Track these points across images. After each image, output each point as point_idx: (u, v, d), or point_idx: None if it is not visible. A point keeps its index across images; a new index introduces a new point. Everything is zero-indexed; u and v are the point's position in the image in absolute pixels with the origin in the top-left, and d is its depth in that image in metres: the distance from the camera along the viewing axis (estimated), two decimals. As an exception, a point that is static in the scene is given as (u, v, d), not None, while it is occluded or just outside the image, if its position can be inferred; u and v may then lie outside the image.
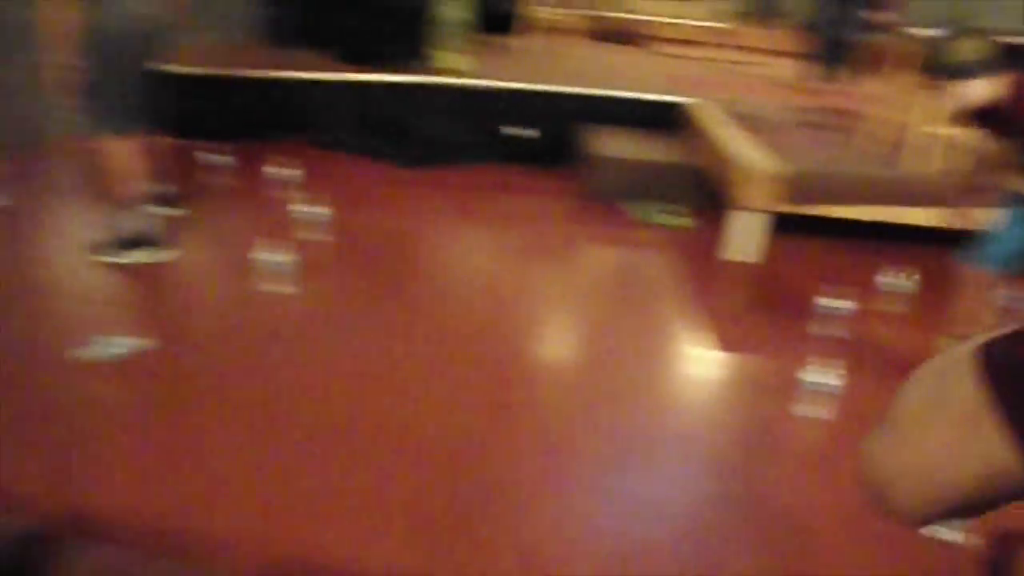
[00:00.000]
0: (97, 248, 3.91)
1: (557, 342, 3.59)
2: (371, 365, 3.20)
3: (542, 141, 5.29)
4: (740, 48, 8.81)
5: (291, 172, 4.71)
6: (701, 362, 3.49)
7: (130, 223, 3.91)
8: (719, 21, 9.41)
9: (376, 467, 2.63)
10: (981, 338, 0.60)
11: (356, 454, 2.68)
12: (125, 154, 3.81)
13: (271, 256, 3.72)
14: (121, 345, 3.20)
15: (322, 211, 4.26)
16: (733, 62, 7.97)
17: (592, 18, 8.18)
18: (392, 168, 5.26)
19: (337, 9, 5.80)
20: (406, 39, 5.63)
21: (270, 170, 4.64)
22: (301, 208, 4.41)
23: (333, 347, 3.34)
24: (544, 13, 6.69)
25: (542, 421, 2.91)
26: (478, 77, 5.42)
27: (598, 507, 2.51)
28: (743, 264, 4.37)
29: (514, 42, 6.33)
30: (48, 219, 4.65)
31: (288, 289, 3.70)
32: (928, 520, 0.64)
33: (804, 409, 3.06)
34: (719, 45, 8.87)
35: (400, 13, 5.60)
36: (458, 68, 5.50)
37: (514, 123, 5.29)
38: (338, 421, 2.87)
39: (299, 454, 2.70)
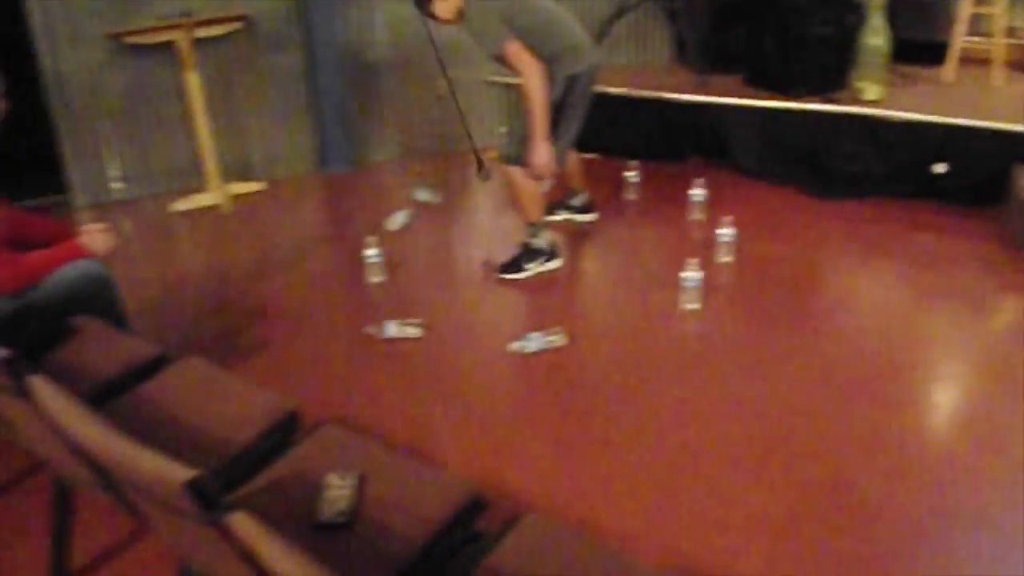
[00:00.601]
0: (502, 268, 4.44)
1: (954, 400, 3.43)
2: (761, 388, 3.33)
3: (960, 178, 5.04)
4: None
5: (698, 192, 4.92)
6: None
7: (532, 240, 4.41)
8: None
9: (755, 484, 2.77)
10: None
11: (738, 471, 2.84)
12: (533, 183, 4.28)
13: (683, 273, 3.94)
14: (543, 341, 3.61)
15: (727, 232, 4.43)
16: None
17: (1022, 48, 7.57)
18: (800, 196, 5.30)
19: (754, 35, 5.90)
20: (825, 67, 5.61)
21: (693, 192, 4.92)
22: (709, 228, 4.63)
23: (727, 365, 3.55)
24: (969, 43, 6.31)
25: (926, 474, 2.85)
26: (895, 108, 5.28)
27: None
28: None
29: (936, 73, 6.06)
30: (469, 218, 5.28)
31: (692, 305, 3.91)
32: None
33: None
34: None
35: (820, 41, 5.59)
36: (876, 98, 5.40)
37: (930, 158, 5.10)
38: (721, 437, 3.04)
39: (682, 462, 2.91)
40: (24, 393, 1.73)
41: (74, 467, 1.89)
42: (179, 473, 1.33)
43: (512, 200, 4.48)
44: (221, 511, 1.30)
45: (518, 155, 4.22)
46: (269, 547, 1.19)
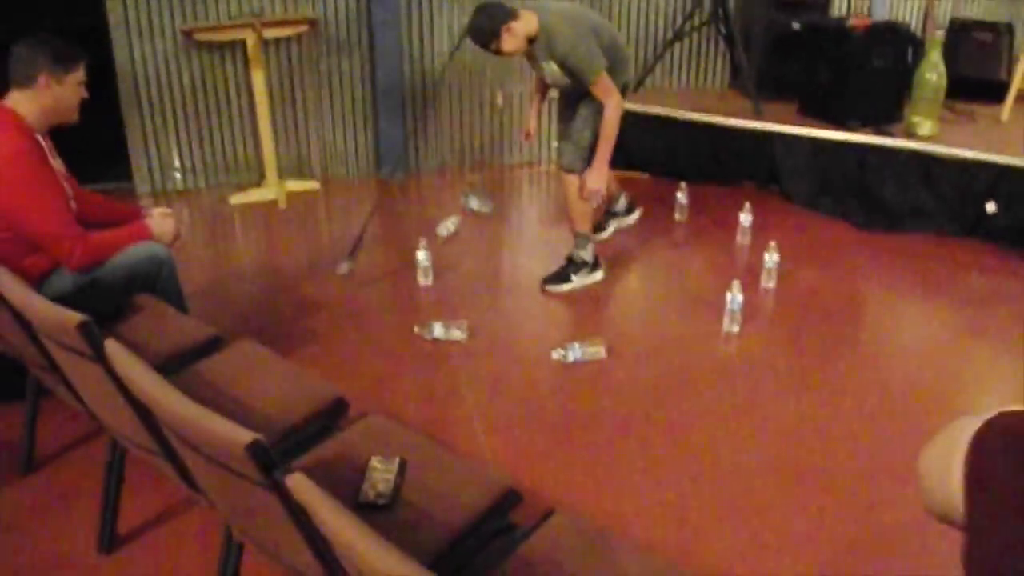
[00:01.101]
0: (548, 280, 4.52)
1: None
2: (797, 413, 3.37)
3: (1010, 219, 5.02)
4: None
5: (746, 217, 4.97)
6: None
7: (578, 251, 4.51)
8: None
9: (786, 506, 2.82)
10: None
11: (770, 492, 2.90)
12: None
13: (726, 295, 3.99)
14: (582, 351, 3.69)
15: (772, 258, 4.47)
16: None
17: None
18: (848, 227, 5.33)
19: (810, 64, 5.93)
20: (880, 100, 5.63)
21: (741, 217, 4.97)
22: (755, 253, 4.67)
23: (764, 389, 3.61)
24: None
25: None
26: (948, 145, 5.29)
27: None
28: None
29: (992, 111, 6.05)
30: (518, 228, 5.39)
31: (733, 328, 3.96)
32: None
33: None
34: None
35: (876, 74, 5.61)
36: (929, 134, 5.41)
37: (981, 196, 5.09)
38: (754, 458, 3.09)
39: (713, 479, 2.97)
40: (100, 357, 1.84)
41: (136, 430, 1.99)
42: (243, 436, 1.42)
43: (564, 208, 4.56)
44: (280, 472, 1.39)
45: (577, 165, 4.30)
46: (324, 507, 1.27)
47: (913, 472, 0.93)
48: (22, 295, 2.16)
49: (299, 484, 1.33)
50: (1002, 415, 0.81)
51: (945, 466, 0.82)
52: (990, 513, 0.77)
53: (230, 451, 1.45)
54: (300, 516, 1.43)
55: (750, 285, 4.31)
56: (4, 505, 2.83)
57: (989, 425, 0.80)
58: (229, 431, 1.45)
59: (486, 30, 3.90)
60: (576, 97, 4.26)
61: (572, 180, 4.34)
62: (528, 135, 4.82)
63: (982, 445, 0.79)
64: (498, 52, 3.99)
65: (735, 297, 3.98)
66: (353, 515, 1.25)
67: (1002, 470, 0.77)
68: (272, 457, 1.42)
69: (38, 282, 2.97)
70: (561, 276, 4.49)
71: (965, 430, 0.82)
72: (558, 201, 5.61)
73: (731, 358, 3.90)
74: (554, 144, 6.49)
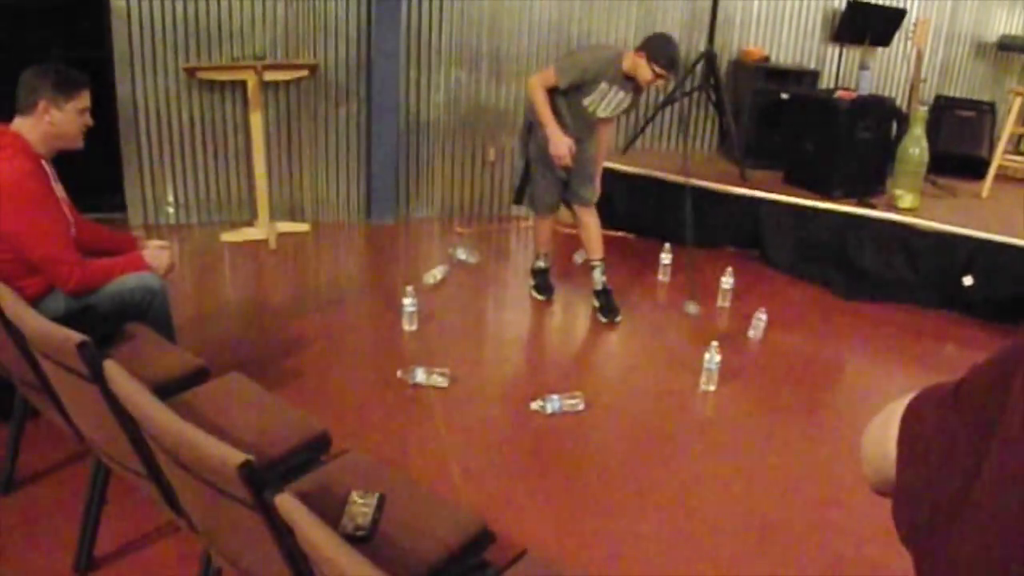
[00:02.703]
0: (610, 313, 4.82)
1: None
2: (767, 471, 3.44)
3: (986, 293, 5.14)
4: None
5: (728, 280, 5.07)
6: None
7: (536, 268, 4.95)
8: None
9: (753, 561, 2.87)
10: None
11: (737, 547, 2.95)
12: (538, 226, 4.90)
13: (704, 355, 4.08)
14: (560, 403, 3.75)
15: (753, 321, 4.57)
16: None
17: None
18: (827, 295, 5.44)
19: (796, 134, 6.09)
20: (863, 172, 5.78)
21: (723, 280, 5.11)
22: (735, 316, 4.77)
23: (736, 447, 3.68)
24: (1009, 162, 6.49)
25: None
26: (929, 218, 5.43)
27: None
28: None
29: (973, 187, 6.23)
30: (504, 280, 5.48)
31: (709, 387, 4.04)
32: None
33: None
34: None
35: (861, 146, 5.77)
36: (911, 207, 5.55)
37: (959, 270, 5.22)
38: (723, 513, 3.15)
39: (682, 532, 3.02)
40: (97, 376, 1.89)
41: (124, 451, 2.04)
42: (235, 457, 1.48)
43: (588, 240, 4.87)
44: (270, 492, 1.45)
45: (592, 196, 4.81)
46: (311, 527, 1.33)
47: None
48: (21, 312, 2.21)
49: (287, 504, 1.39)
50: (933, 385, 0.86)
51: (883, 435, 0.88)
52: (914, 455, 0.83)
53: (222, 471, 1.50)
54: (285, 537, 1.48)
55: (728, 347, 4.39)
56: (-21, 524, 2.85)
57: (920, 392, 0.87)
58: (223, 452, 1.51)
59: None
60: (588, 136, 4.70)
61: (592, 211, 4.81)
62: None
63: (913, 406, 0.86)
64: (639, 88, 4.52)
65: (712, 357, 4.06)
66: (339, 536, 1.31)
67: (928, 417, 0.83)
68: (261, 479, 1.48)
69: (32, 303, 3.01)
70: (614, 305, 4.83)
71: (901, 403, 0.89)
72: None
73: (706, 416, 3.97)
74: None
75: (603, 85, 4.43)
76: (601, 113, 4.57)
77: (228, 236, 5.86)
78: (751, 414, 3.98)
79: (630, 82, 4.46)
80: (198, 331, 4.36)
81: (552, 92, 4.43)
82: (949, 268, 5.25)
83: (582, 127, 4.60)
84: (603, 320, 4.81)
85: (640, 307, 5.16)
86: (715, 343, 4.09)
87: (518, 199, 4.87)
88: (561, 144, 4.41)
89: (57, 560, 2.64)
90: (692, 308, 5.00)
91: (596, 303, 4.89)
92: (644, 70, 4.33)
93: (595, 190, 4.84)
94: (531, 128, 4.60)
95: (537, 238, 5.04)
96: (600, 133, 4.80)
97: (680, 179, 5.61)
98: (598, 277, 4.87)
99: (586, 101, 4.48)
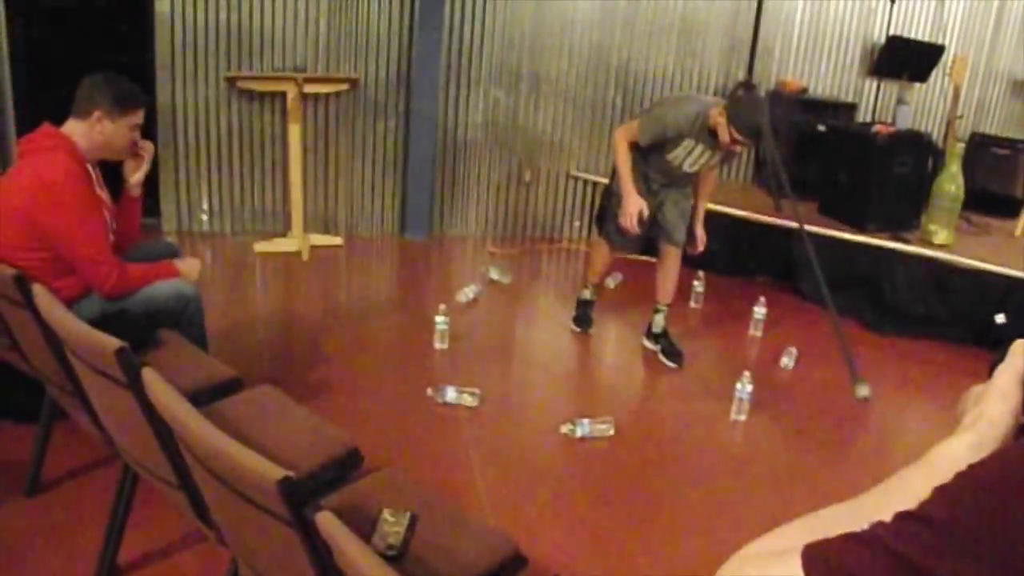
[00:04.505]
0: (676, 358, 4.66)
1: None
2: (794, 503, 3.35)
3: (1019, 331, 5.05)
4: None
5: (760, 310, 5.03)
6: None
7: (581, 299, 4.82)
8: None
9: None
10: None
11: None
12: (598, 251, 4.71)
13: (736, 384, 4.03)
14: (590, 428, 3.72)
15: (784, 353, 4.52)
16: None
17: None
18: (859, 328, 5.37)
19: (832, 167, 6.04)
20: (898, 207, 5.73)
21: (755, 309, 5.06)
22: (767, 346, 4.72)
23: (764, 478, 3.63)
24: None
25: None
26: (962, 255, 5.37)
27: None
28: None
29: (1007, 225, 6.16)
30: (536, 301, 5.45)
31: (739, 416, 4.00)
32: None
33: None
34: None
35: (897, 180, 5.72)
36: (945, 243, 5.49)
37: (992, 307, 5.15)
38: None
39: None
40: (135, 383, 1.88)
41: (156, 459, 2.02)
42: (274, 472, 1.46)
43: (664, 281, 4.66)
44: (310, 510, 1.42)
45: (680, 239, 4.56)
46: (352, 547, 1.30)
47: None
48: (59, 314, 2.21)
49: (327, 522, 1.36)
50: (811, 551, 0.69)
51: None
52: None
53: (260, 486, 1.48)
54: (322, 555, 1.45)
55: (760, 377, 4.34)
56: (3, 525, 2.84)
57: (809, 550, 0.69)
58: (261, 466, 1.48)
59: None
60: (679, 184, 4.48)
61: (679, 255, 4.60)
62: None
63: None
64: (725, 144, 4.10)
65: (744, 387, 4.01)
66: (380, 558, 1.28)
67: None
68: (300, 495, 1.45)
69: (67, 305, 3.01)
70: (678, 349, 4.68)
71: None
72: (576, 277, 5.71)
73: (736, 446, 3.92)
74: (575, 223, 6.63)
75: (687, 142, 4.18)
76: (688, 168, 4.32)
77: (261, 247, 5.87)
78: (780, 446, 3.93)
79: (715, 138, 4.12)
80: (229, 341, 4.35)
81: (636, 144, 4.28)
82: (981, 305, 5.18)
83: (669, 176, 4.42)
84: (669, 364, 4.63)
85: (673, 334, 5.10)
86: (747, 373, 4.04)
87: (600, 230, 4.73)
88: (632, 209, 4.23)
89: (79, 566, 2.63)
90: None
91: (655, 346, 4.75)
92: (723, 131, 4.02)
93: (695, 236, 4.60)
94: (615, 170, 4.44)
95: (593, 265, 4.82)
96: (701, 180, 4.56)
97: (715, 208, 5.56)
98: (660, 321, 4.71)
99: (670, 156, 4.27)
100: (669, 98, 5.72)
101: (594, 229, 4.92)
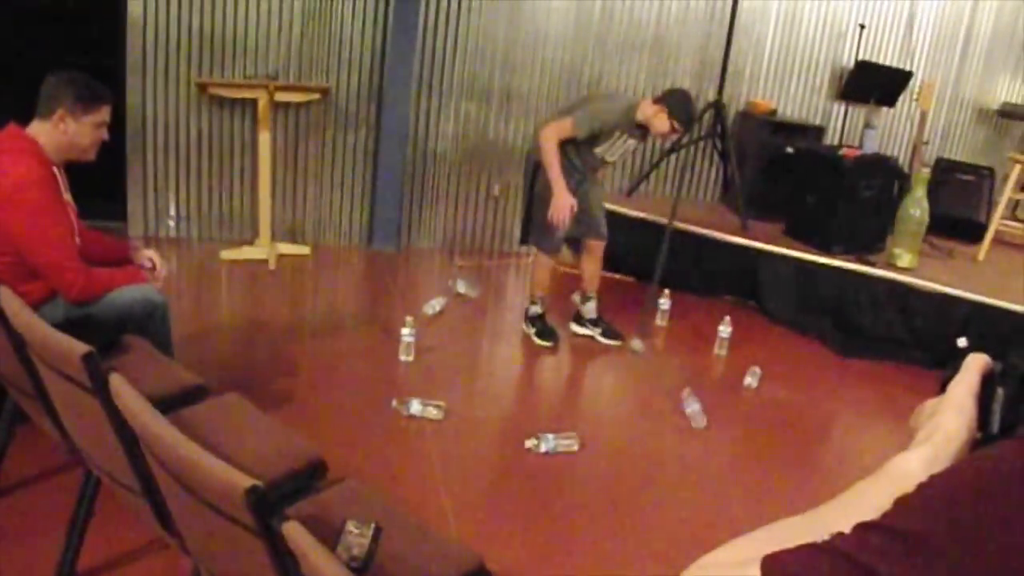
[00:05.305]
0: (526, 319, 4.96)
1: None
2: (753, 517, 3.39)
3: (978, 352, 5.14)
4: None
5: (725, 329, 5.07)
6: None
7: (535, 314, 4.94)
8: None
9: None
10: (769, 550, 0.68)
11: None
12: (541, 264, 4.88)
13: (689, 398, 4.09)
14: (555, 443, 3.73)
15: (748, 372, 4.57)
16: None
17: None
18: (823, 349, 5.43)
19: (799, 188, 6.12)
20: (864, 229, 5.81)
21: (720, 328, 5.09)
22: (730, 364, 4.77)
23: (725, 494, 3.66)
24: (1006, 227, 6.55)
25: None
26: (926, 278, 5.46)
27: None
28: None
29: (971, 250, 6.28)
30: (502, 315, 5.47)
31: (699, 426, 4.04)
32: None
33: None
34: None
35: (863, 203, 5.80)
36: (909, 266, 5.57)
37: (954, 331, 5.23)
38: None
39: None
40: (101, 389, 1.86)
41: (120, 465, 2.01)
42: (242, 481, 1.45)
43: (595, 274, 5.02)
44: (277, 520, 1.42)
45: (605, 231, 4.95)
46: (319, 559, 1.30)
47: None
48: (25, 318, 2.19)
49: (294, 532, 1.36)
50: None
51: None
52: None
53: (227, 494, 1.47)
54: (287, 566, 1.45)
55: (723, 395, 4.39)
56: (-39, 530, 2.80)
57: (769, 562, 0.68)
58: (229, 475, 1.48)
59: None
60: (596, 175, 4.88)
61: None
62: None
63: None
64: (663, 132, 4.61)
65: (696, 405, 4.15)
66: (346, 568, 1.28)
67: None
68: (268, 504, 1.45)
69: (32, 308, 2.98)
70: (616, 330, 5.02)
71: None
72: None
73: (700, 463, 3.95)
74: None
75: (616, 133, 4.55)
76: (609, 158, 4.70)
77: (228, 254, 5.83)
78: (743, 464, 3.97)
79: (640, 130, 4.61)
80: (194, 348, 4.32)
81: (564, 140, 4.50)
82: (944, 329, 5.26)
83: (590, 168, 4.71)
84: (606, 342, 5.02)
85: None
86: (687, 389, 4.24)
87: (524, 238, 4.88)
88: (564, 207, 4.48)
89: (38, 572, 2.59)
90: (637, 345, 5.01)
91: (592, 330, 5.07)
92: (662, 123, 4.48)
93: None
94: (537, 168, 4.62)
95: (535, 278, 4.97)
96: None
97: (681, 226, 5.62)
98: (593, 307, 5.05)
99: (598, 149, 4.60)
100: (595, 95, 5.92)
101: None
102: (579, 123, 4.45)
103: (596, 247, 4.93)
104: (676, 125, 4.50)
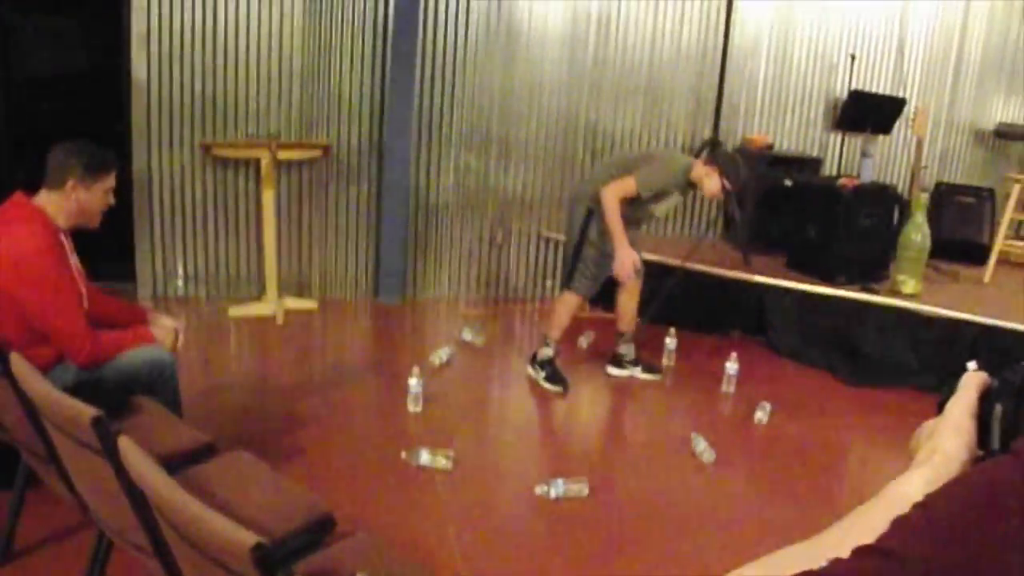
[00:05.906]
0: (533, 363, 4.98)
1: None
2: (777, 545, 3.38)
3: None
4: None
5: (732, 365, 5.08)
6: None
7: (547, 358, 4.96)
8: None
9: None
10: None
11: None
12: (569, 307, 4.89)
13: (698, 437, 4.10)
14: (564, 488, 3.73)
15: (758, 407, 4.58)
16: None
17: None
18: (831, 380, 5.43)
19: (799, 221, 6.15)
20: (866, 258, 5.83)
21: (727, 364, 5.09)
22: (739, 400, 4.77)
23: (737, 532, 3.64)
24: (1009, 247, 6.56)
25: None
26: (931, 304, 5.46)
27: None
28: None
29: (975, 273, 6.29)
30: (509, 363, 5.47)
31: (710, 465, 4.04)
32: None
33: None
34: None
35: (863, 232, 5.83)
36: (913, 292, 5.58)
37: (963, 355, 5.21)
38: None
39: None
40: (110, 452, 1.90)
41: (131, 526, 2.03)
42: (247, 538, 1.48)
43: (631, 311, 5.15)
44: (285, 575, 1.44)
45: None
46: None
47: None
48: (35, 383, 2.23)
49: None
50: None
51: None
52: None
53: (234, 552, 1.50)
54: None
55: (734, 432, 4.39)
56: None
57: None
58: (235, 533, 1.51)
59: None
60: (639, 224, 5.04)
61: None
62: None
63: None
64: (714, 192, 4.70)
65: (705, 444, 4.17)
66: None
67: None
68: (274, 563, 1.48)
69: (42, 372, 3.03)
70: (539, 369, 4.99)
71: None
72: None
73: (711, 503, 3.94)
74: (547, 282, 6.70)
75: (671, 192, 4.77)
76: (659, 214, 5.06)
77: (236, 311, 5.88)
78: (756, 501, 3.95)
79: (692, 188, 4.81)
80: (203, 406, 4.35)
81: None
82: (952, 353, 5.25)
83: (637, 219, 4.91)
84: (646, 378, 5.20)
85: (645, 391, 5.16)
86: (695, 433, 4.25)
87: (567, 282, 4.97)
88: (628, 262, 4.64)
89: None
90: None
91: (631, 370, 5.20)
92: (713, 182, 4.62)
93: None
94: (592, 214, 4.75)
95: (557, 320, 4.94)
96: None
97: (684, 264, 5.66)
98: (632, 347, 5.19)
99: (653, 206, 4.82)
100: (655, 153, 5.86)
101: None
102: (642, 184, 4.61)
103: (634, 284, 5.03)
104: (728, 186, 4.62)
